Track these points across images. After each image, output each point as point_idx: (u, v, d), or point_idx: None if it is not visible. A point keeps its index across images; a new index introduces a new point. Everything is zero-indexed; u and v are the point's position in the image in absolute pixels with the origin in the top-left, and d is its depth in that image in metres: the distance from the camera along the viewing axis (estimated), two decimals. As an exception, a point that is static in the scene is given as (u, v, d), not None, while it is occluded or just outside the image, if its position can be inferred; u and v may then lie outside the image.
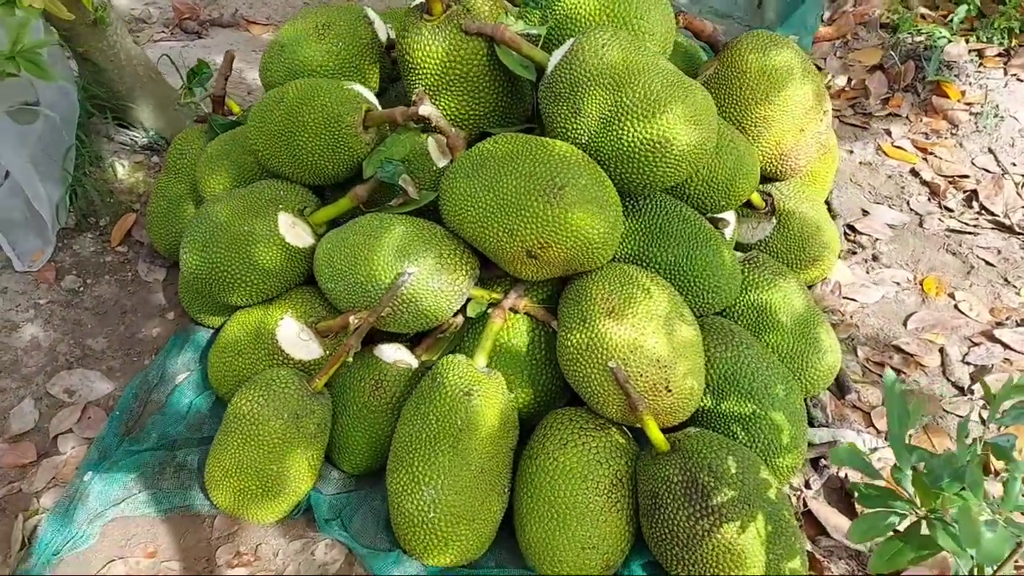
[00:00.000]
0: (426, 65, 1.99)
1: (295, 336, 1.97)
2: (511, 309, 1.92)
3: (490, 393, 1.78)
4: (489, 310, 1.93)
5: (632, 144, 1.78)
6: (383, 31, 2.24)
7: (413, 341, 2.04)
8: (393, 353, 1.94)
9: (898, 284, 2.62)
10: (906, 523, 1.31)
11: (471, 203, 1.81)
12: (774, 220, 2.32)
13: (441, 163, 2.02)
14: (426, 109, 1.84)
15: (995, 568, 1.24)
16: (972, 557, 1.27)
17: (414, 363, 1.95)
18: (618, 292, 1.76)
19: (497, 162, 1.80)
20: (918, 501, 1.27)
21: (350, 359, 1.87)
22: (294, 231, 1.98)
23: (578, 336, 1.75)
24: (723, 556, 1.61)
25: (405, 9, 2.08)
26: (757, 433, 1.85)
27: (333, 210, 1.99)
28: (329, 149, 1.94)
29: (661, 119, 1.75)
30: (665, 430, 1.78)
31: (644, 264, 1.97)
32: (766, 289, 2.08)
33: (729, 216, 2.22)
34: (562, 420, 1.81)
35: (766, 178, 2.33)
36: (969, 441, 1.31)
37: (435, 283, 1.85)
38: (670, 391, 1.72)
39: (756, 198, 2.28)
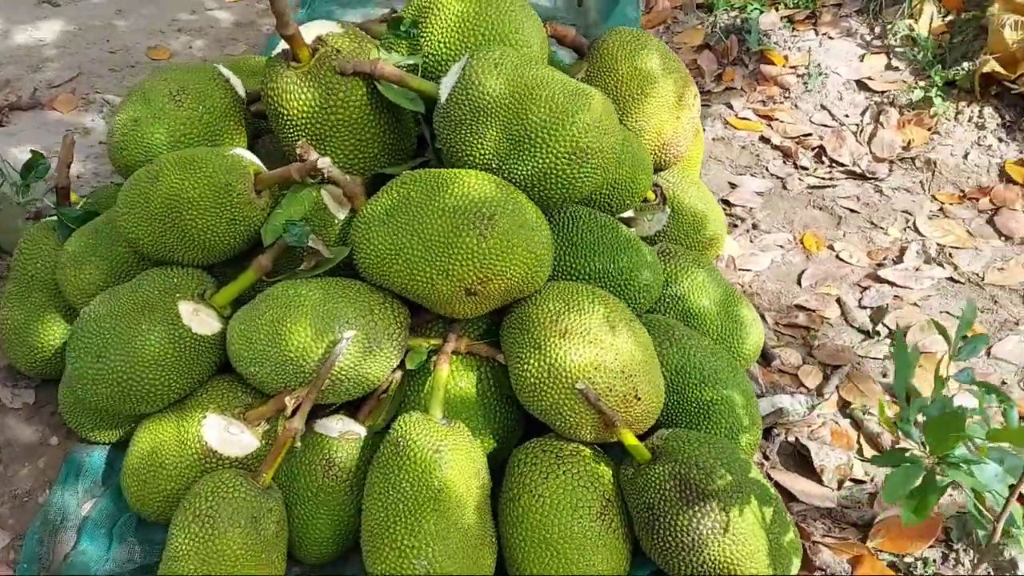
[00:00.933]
0: (303, 115, 1.86)
1: (223, 432, 1.78)
2: (453, 352, 1.83)
3: (459, 445, 1.68)
4: (432, 358, 1.83)
5: (548, 160, 1.73)
6: (240, 86, 2.08)
7: (349, 408, 1.90)
8: (337, 425, 1.80)
9: (781, 247, 2.74)
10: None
11: (395, 251, 1.71)
12: (667, 209, 2.36)
13: (341, 214, 1.90)
14: (324, 161, 1.72)
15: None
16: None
17: (362, 432, 1.82)
18: (565, 311, 1.71)
19: (414, 204, 1.71)
20: (927, 449, 1.31)
21: (298, 443, 1.71)
22: (198, 319, 1.79)
23: (536, 365, 1.69)
24: (730, 548, 1.59)
25: (266, 60, 1.94)
26: (719, 419, 1.86)
27: (236, 287, 1.81)
28: (223, 223, 1.77)
29: (572, 129, 1.72)
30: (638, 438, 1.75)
31: (573, 277, 1.94)
32: (685, 278, 2.10)
33: (630, 213, 2.23)
34: (535, 453, 1.74)
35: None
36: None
37: (373, 343, 1.73)
38: (639, 399, 1.69)
39: (648, 192, 2.30)
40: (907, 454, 1.33)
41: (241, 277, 1.81)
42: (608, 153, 1.78)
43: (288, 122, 1.88)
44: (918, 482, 1.28)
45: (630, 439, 1.68)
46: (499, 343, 1.86)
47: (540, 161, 1.73)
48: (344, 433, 1.79)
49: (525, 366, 1.71)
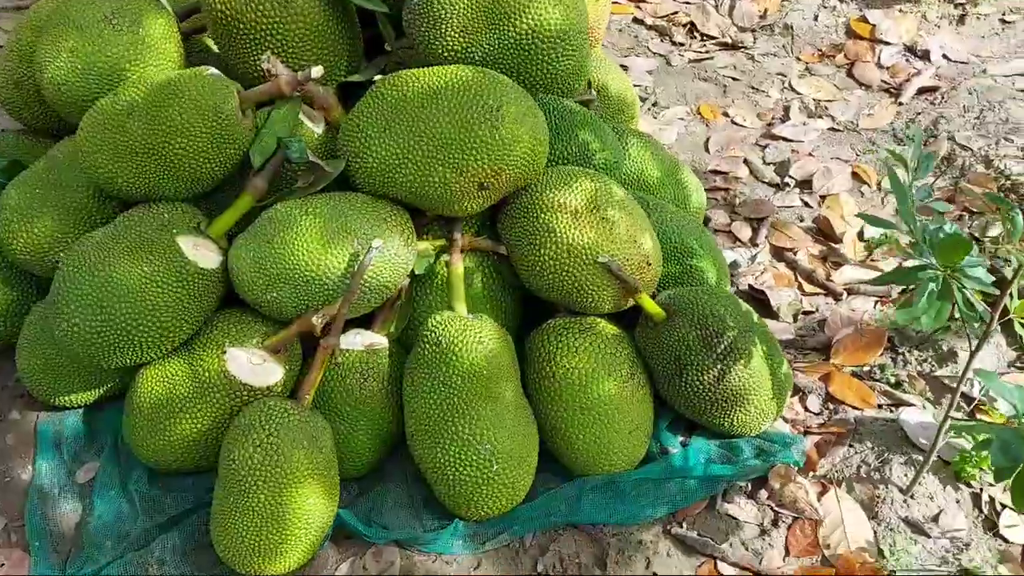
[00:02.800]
0: (262, 27, 1.78)
1: (248, 364, 1.73)
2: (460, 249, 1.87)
3: (495, 334, 1.75)
4: (443, 258, 1.86)
5: (529, 38, 1.77)
6: (166, 2, 1.93)
7: (355, 322, 1.90)
8: (359, 339, 1.80)
9: (682, 119, 2.93)
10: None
11: (403, 157, 1.70)
12: (593, 92, 2.45)
13: (318, 128, 1.85)
14: (318, 70, 1.66)
15: None
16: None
17: (385, 341, 1.83)
18: (570, 193, 1.79)
19: (412, 107, 1.70)
20: (939, 263, 1.53)
21: (339, 358, 1.71)
22: (199, 253, 1.71)
23: (554, 248, 1.76)
24: (747, 380, 1.79)
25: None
26: (700, 276, 2.03)
27: (232, 215, 1.74)
28: (212, 147, 1.67)
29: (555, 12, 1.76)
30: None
31: (553, 161, 2.01)
32: (635, 153, 2.23)
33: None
34: (557, 332, 1.83)
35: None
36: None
37: (390, 251, 1.73)
38: (650, 264, 1.82)
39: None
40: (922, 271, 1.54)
41: (237, 203, 1.73)
42: (583, 35, 1.85)
43: (245, 36, 1.78)
44: (937, 288, 1.50)
45: (647, 301, 1.82)
46: (497, 236, 1.92)
47: (524, 41, 1.76)
48: (370, 345, 1.80)
49: (541, 251, 1.78)
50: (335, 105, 1.82)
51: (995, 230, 2.42)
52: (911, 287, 1.61)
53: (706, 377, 1.79)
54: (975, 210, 2.50)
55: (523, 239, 1.82)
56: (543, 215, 1.78)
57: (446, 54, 1.78)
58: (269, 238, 1.69)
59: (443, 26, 1.76)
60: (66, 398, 1.92)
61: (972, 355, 1.63)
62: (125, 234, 1.67)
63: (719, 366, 1.78)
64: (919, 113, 2.88)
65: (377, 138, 1.71)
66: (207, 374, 1.72)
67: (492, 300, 1.92)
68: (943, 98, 2.92)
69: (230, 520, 1.60)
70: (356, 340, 1.80)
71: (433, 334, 1.72)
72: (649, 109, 2.95)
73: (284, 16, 1.76)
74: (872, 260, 2.40)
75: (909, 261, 1.59)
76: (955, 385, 2.02)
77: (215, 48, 2.07)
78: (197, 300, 1.71)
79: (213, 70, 1.68)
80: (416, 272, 1.85)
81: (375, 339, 1.82)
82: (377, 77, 1.87)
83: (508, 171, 1.72)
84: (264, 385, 1.74)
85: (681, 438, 1.94)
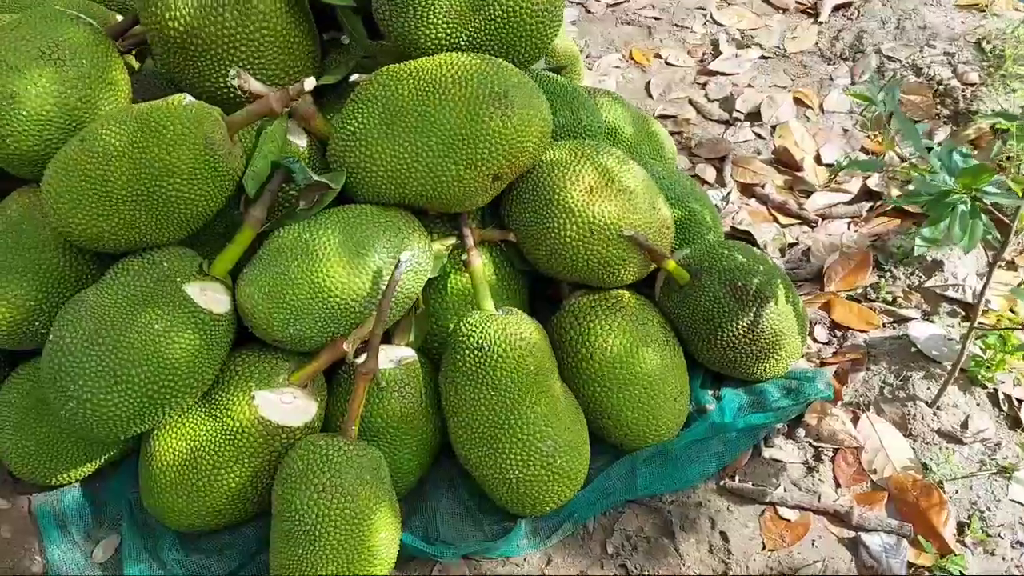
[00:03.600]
0: (224, 39, 1.61)
1: (280, 405, 1.61)
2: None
3: (532, 326, 1.69)
4: (449, 259, 1.77)
5: (516, 13, 1.68)
6: (93, 23, 1.72)
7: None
8: (388, 355, 1.70)
9: (617, 67, 2.89)
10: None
11: (412, 159, 1.59)
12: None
13: (302, 142, 1.71)
14: (310, 82, 1.52)
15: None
16: None
17: (414, 353, 1.74)
18: (580, 169, 1.73)
19: (412, 105, 1.59)
20: (961, 187, 1.57)
21: (384, 383, 1.61)
22: (208, 298, 1.56)
23: (574, 227, 1.71)
24: (779, 326, 1.81)
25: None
26: (698, 227, 2.02)
27: (236, 250, 1.59)
28: (206, 184, 1.51)
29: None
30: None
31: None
32: (606, 111, 2.18)
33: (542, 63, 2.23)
34: (584, 312, 1.79)
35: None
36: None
37: (413, 261, 1.63)
38: (668, 227, 1.80)
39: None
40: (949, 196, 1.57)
41: (237, 238, 1.58)
42: (561, 5, 1.77)
43: (204, 53, 1.62)
44: (967, 210, 1.54)
45: (674, 266, 1.80)
46: (500, 222, 1.85)
47: (510, 17, 1.67)
48: (402, 359, 1.71)
49: (561, 233, 1.72)
50: (316, 114, 1.69)
51: (941, 135, 2.53)
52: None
53: (740, 330, 1.79)
54: (916, 119, 2.60)
55: (537, 223, 1.75)
56: (557, 195, 1.72)
57: (431, 44, 1.67)
58: (283, 269, 1.56)
59: (427, 16, 1.64)
60: (65, 475, 1.74)
61: (992, 267, 1.70)
62: (123, 292, 1.50)
63: (751, 317, 1.79)
64: (840, 30, 2.94)
65: (379, 144, 1.60)
66: (237, 423, 1.59)
67: (508, 290, 1.85)
68: (859, 12, 2.99)
69: (300, 570, 1.50)
70: (388, 358, 1.70)
71: (471, 338, 1.65)
72: (584, 60, 2.89)
73: (246, 25, 1.60)
74: (837, 183, 2.46)
75: (911, 187, 1.62)
76: (947, 293, 2.12)
77: (150, 67, 1.88)
78: (215, 348, 1.57)
79: (189, 98, 1.51)
80: (432, 275, 1.76)
81: (404, 352, 1.73)
82: (355, 77, 1.74)
83: (522, 158, 1.64)
84: (302, 424, 1.63)
85: (711, 392, 1.95)
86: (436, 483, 1.84)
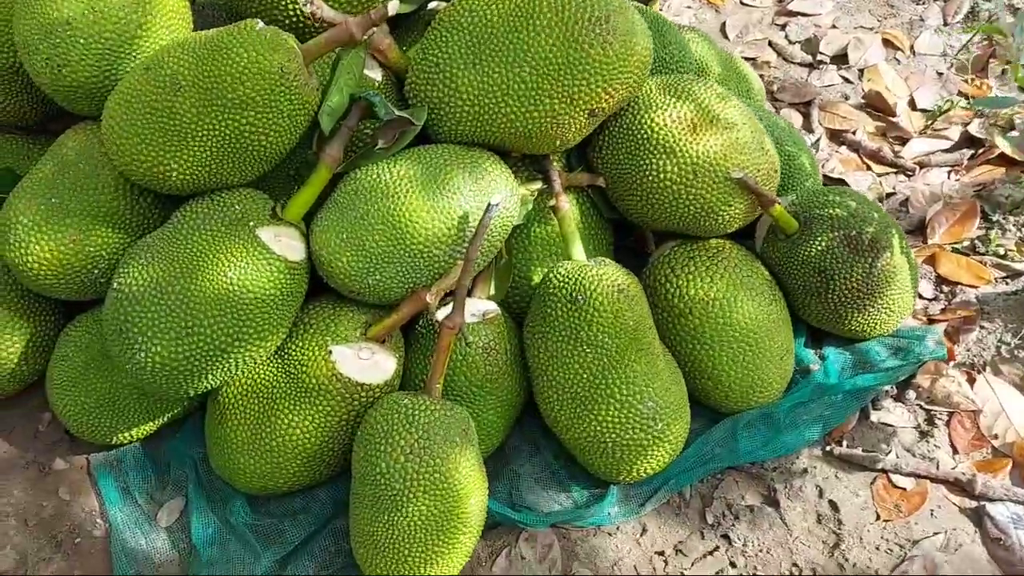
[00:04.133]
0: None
1: (357, 361, 1.49)
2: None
3: (628, 278, 1.55)
4: (545, 204, 1.63)
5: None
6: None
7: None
8: (470, 308, 1.57)
9: (690, 7, 2.71)
10: None
11: (501, 94, 1.45)
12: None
13: (377, 75, 1.57)
14: (393, 4, 1.37)
15: None
16: None
17: (496, 307, 1.60)
18: (684, 103, 1.58)
19: (505, 31, 1.44)
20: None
21: (471, 338, 1.48)
22: (283, 244, 1.43)
23: (676, 169, 1.56)
24: (894, 279, 1.66)
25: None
26: (798, 173, 1.86)
27: (311, 192, 1.46)
28: (282, 118, 1.37)
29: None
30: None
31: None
32: (695, 48, 2.01)
33: None
34: (682, 264, 1.65)
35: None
36: None
37: (503, 206, 1.50)
38: (776, 169, 1.64)
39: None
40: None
41: (313, 179, 1.45)
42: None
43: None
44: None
45: (783, 213, 1.64)
46: (589, 167, 1.70)
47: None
48: (485, 313, 1.57)
49: (660, 176, 1.57)
50: (392, 45, 1.54)
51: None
52: None
53: (853, 283, 1.64)
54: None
55: (631, 165, 1.60)
56: (656, 134, 1.56)
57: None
58: (362, 213, 1.43)
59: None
60: (126, 434, 1.64)
61: None
62: (192, 236, 1.38)
63: (865, 268, 1.63)
64: (927, -34, 2.73)
65: (465, 77, 1.45)
66: (313, 380, 1.47)
67: (595, 239, 1.71)
68: (950, -53, 2.78)
69: (386, 537, 1.38)
70: (469, 311, 1.57)
71: (563, 290, 1.51)
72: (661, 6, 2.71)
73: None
74: (934, 129, 2.28)
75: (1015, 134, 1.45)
76: (1066, 245, 1.94)
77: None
78: (290, 299, 1.44)
79: (262, 23, 1.37)
80: (517, 222, 1.62)
81: (487, 306, 1.59)
82: (433, 4, 1.59)
83: (622, 91, 1.49)
84: (382, 381, 1.50)
85: (813, 351, 1.80)
86: (519, 445, 1.71)
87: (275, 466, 1.50)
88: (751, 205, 1.61)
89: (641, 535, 1.61)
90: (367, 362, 1.50)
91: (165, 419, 1.66)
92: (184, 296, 1.34)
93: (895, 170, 2.22)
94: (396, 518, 1.37)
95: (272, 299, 1.40)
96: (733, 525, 1.62)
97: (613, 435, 1.50)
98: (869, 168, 2.23)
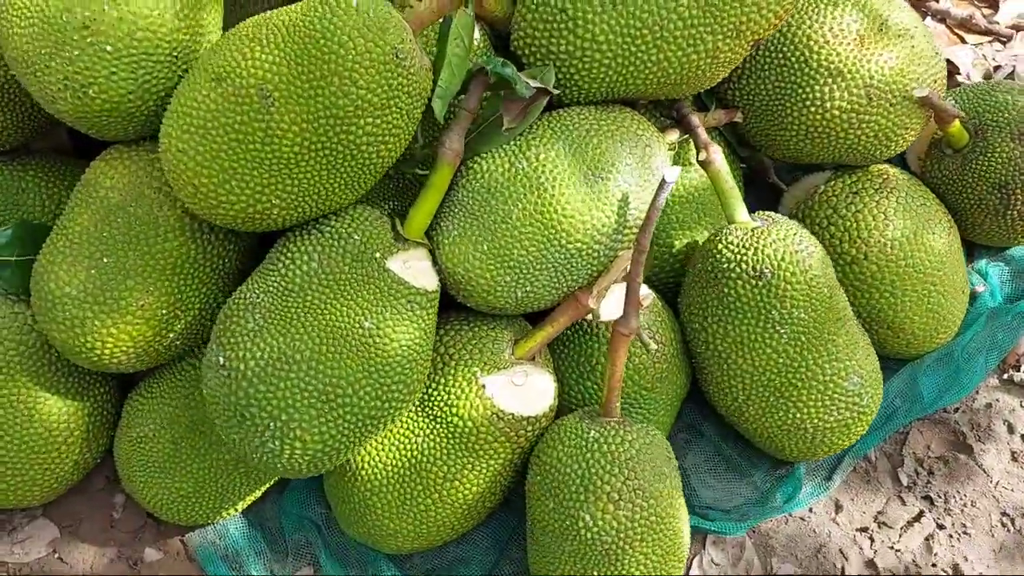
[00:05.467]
0: None
1: (512, 389, 1.23)
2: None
3: (808, 236, 1.30)
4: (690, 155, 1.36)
5: None
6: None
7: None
8: (619, 298, 1.31)
9: None
10: None
11: (654, 35, 1.14)
12: None
13: (477, 33, 1.24)
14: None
15: None
16: None
17: (649, 290, 1.35)
18: (845, 12, 1.30)
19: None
20: None
21: (653, 345, 1.23)
22: (413, 271, 1.14)
23: (846, 94, 1.30)
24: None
25: None
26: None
27: (434, 198, 1.14)
28: (401, 115, 1.04)
29: None
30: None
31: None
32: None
33: None
34: (841, 199, 1.42)
35: None
36: None
37: (654, 173, 1.23)
38: (944, 74, 1.39)
39: None
40: None
41: (434, 182, 1.14)
42: None
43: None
44: None
45: (958, 127, 1.40)
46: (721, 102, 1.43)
47: None
48: (642, 297, 1.32)
49: (825, 103, 1.31)
50: (489, -6, 1.21)
51: None
52: None
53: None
54: None
55: (784, 95, 1.34)
56: (817, 54, 1.29)
57: None
58: (503, 216, 1.14)
59: None
60: (231, 510, 1.37)
61: None
62: (310, 287, 1.07)
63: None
64: None
65: (603, 22, 1.14)
66: (467, 423, 1.21)
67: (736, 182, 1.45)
68: None
69: None
70: (618, 303, 1.31)
71: (741, 264, 1.25)
72: None
73: None
74: (1024, -15, 2.04)
75: None
76: None
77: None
78: (431, 335, 1.16)
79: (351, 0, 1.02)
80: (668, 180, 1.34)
81: (643, 291, 1.34)
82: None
83: (783, 15, 1.20)
84: (546, 407, 1.25)
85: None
86: (673, 434, 1.50)
87: (432, 526, 1.26)
88: (926, 122, 1.36)
89: (836, 513, 1.44)
90: (523, 388, 1.24)
91: (271, 483, 1.40)
92: (317, 364, 1.05)
93: (990, 38, 1.98)
94: (611, 572, 1.15)
95: (419, 343, 1.12)
96: (929, 482, 1.46)
97: (815, 419, 1.30)
98: (963, 40, 1.98)
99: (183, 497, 1.30)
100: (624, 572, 1.15)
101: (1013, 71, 1.91)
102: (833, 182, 1.43)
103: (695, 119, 1.33)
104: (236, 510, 1.38)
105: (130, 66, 1.05)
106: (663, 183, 1.14)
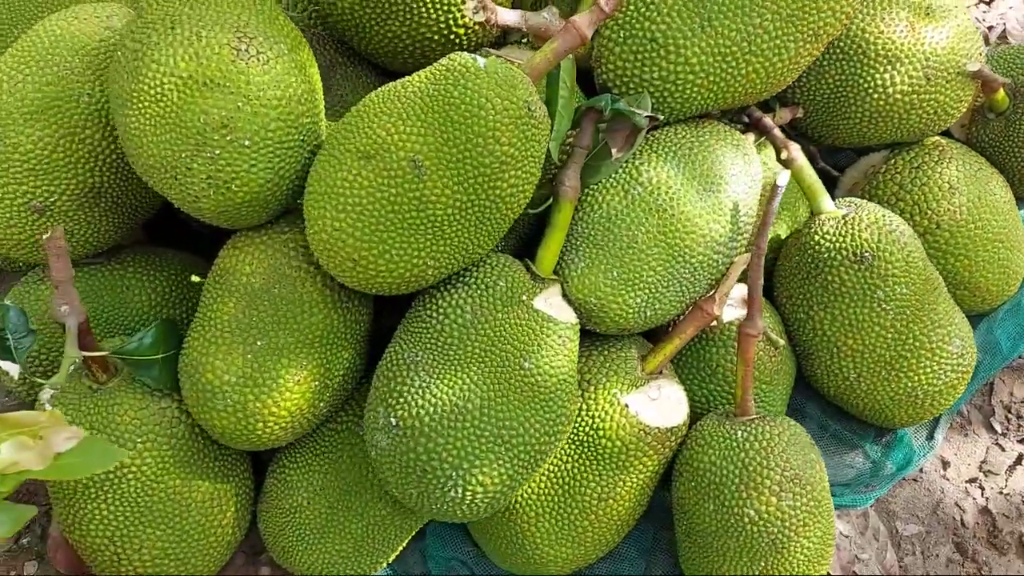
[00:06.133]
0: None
1: (650, 403, 1.28)
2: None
3: (891, 214, 1.39)
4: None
5: None
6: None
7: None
8: (737, 295, 1.38)
9: None
10: None
11: (742, 50, 1.20)
12: None
13: (555, 69, 1.29)
14: (622, -14, 1.10)
15: None
16: None
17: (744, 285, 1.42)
18: (890, 5, 1.38)
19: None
20: None
21: (781, 341, 1.30)
22: (556, 307, 1.19)
23: (903, 76, 1.39)
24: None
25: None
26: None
27: (560, 236, 1.19)
28: (535, 163, 1.08)
29: None
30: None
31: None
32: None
33: None
34: (905, 175, 1.50)
35: None
36: None
37: (759, 175, 1.30)
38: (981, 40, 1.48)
39: None
40: None
41: (557, 221, 1.19)
42: None
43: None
44: None
45: (1001, 91, 1.50)
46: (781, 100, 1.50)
47: None
48: (742, 299, 1.38)
49: (889, 89, 1.39)
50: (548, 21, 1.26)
51: None
52: None
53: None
54: None
55: (846, 86, 1.42)
56: (874, 45, 1.38)
57: None
58: (628, 241, 1.19)
59: None
60: (383, 563, 1.40)
61: None
62: (468, 338, 1.10)
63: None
64: None
65: (695, 45, 1.20)
66: (616, 443, 1.26)
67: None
68: None
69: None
70: (730, 301, 1.38)
71: (842, 252, 1.33)
72: None
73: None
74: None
75: None
76: None
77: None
78: (576, 363, 1.21)
79: (478, 58, 1.05)
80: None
81: (742, 289, 1.40)
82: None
83: (855, 10, 1.27)
84: (684, 415, 1.31)
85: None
86: (776, 418, 1.57)
87: (589, 545, 1.31)
88: (977, 92, 1.45)
89: (945, 470, 1.53)
90: (659, 401, 1.29)
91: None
92: (488, 411, 1.10)
93: (975, 1, 2.09)
94: (776, 561, 1.21)
95: (571, 374, 1.17)
96: (1020, 426, 1.56)
97: (926, 386, 1.38)
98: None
99: (344, 558, 1.33)
100: (790, 558, 1.21)
101: (1004, 29, 2.03)
102: (893, 160, 1.51)
103: (769, 121, 1.40)
104: (389, 561, 1.41)
105: (267, 156, 1.08)
106: (776, 188, 1.21)
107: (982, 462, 1.52)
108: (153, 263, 1.41)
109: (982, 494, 1.50)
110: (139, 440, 1.21)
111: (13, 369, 1.33)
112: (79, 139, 1.21)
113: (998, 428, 1.55)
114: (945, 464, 1.52)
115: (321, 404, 1.22)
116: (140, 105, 1.06)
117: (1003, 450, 1.53)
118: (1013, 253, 1.51)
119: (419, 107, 1.03)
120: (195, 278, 1.45)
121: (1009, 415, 1.56)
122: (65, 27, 1.23)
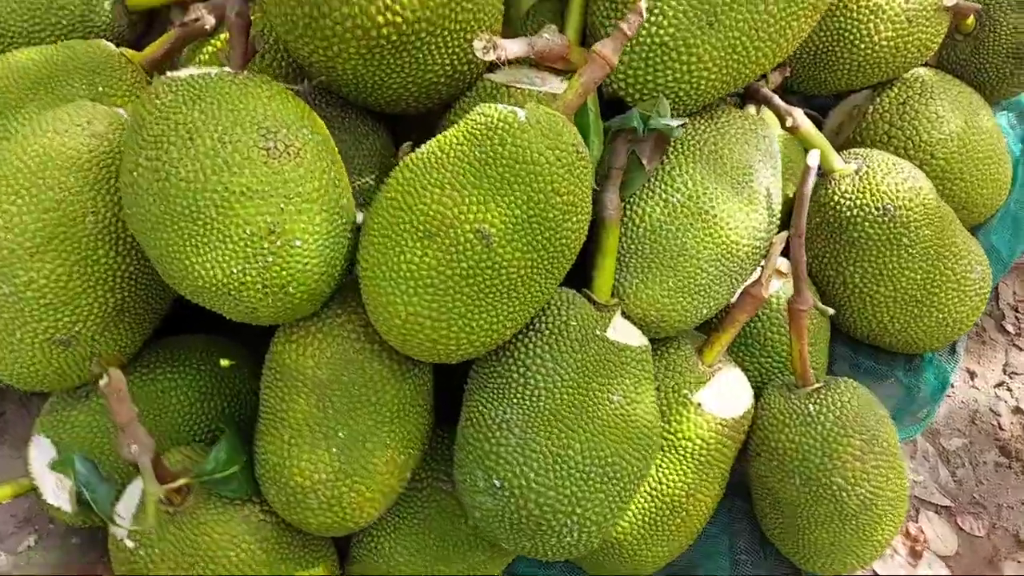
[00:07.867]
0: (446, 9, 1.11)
1: (720, 396, 1.31)
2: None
3: (898, 159, 1.42)
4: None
5: None
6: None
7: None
8: (781, 266, 1.41)
9: None
10: None
11: (750, 40, 1.19)
12: None
13: (559, 86, 1.27)
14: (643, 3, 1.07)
15: None
16: None
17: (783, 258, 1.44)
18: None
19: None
20: None
21: (830, 310, 1.33)
22: (625, 332, 1.19)
23: (886, 23, 1.41)
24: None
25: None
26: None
27: (611, 261, 1.19)
28: (586, 200, 1.07)
29: None
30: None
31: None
32: None
33: None
34: (894, 111, 1.53)
35: None
36: None
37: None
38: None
39: None
40: None
41: (608, 244, 1.18)
42: None
43: (417, 35, 1.11)
44: None
45: (971, 17, 1.54)
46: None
47: None
48: (779, 269, 1.42)
49: (875, 38, 1.41)
50: (573, 45, 1.23)
51: None
52: None
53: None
54: None
55: (833, 42, 1.44)
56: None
57: None
58: (678, 250, 1.20)
59: None
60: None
61: None
62: (551, 386, 1.10)
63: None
64: None
65: (706, 42, 1.18)
66: (696, 443, 1.29)
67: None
68: None
69: (859, 545, 1.30)
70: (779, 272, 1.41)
71: (865, 207, 1.37)
72: None
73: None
74: None
75: None
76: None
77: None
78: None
79: (519, 111, 1.02)
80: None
81: (784, 261, 1.43)
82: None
83: (841, -27, 1.28)
84: (750, 399, 1.34)
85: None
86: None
87: (681, 539, 1.35)
88: (951, 21, 1.49)
89: (972, 380, 1.61)
90: (725, 391, 1.32)
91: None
92: (590, 452, 1.10)
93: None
94: (868, 517, 1.28)
95: (654, 397, 1.18)
96: (1028, 321, 1.65)
97: (955, 314, 1.44)
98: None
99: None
100: (879, 511, 1.27)
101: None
102: (878, 99, 1.54)
103: (767, 91, 1.40)
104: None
105: (318, 251, 1.03)
106: (807, 168, 1.22)
107: (1004, 365, 1.61)
108: (179, 359, 1.35)
109: (1011, 395, 1.59)
110: (232, 552, 1.17)
111: (66, 504, 1.27)
112: (93, 261, 1.14)
113: (1011, 330, 1.64)
114: (972, 374, 1.61)
115: (408, 474, 1.21)
116: (176, 227, 0.99)
117: (1021, 350, 1.62)
118: (1001, 165, 1.57)
119: (472, 173, 1.00)
120: (224, 362, 1.39)
121: (1018, 315, 1.65)
122: (48, 144, 1.13)
